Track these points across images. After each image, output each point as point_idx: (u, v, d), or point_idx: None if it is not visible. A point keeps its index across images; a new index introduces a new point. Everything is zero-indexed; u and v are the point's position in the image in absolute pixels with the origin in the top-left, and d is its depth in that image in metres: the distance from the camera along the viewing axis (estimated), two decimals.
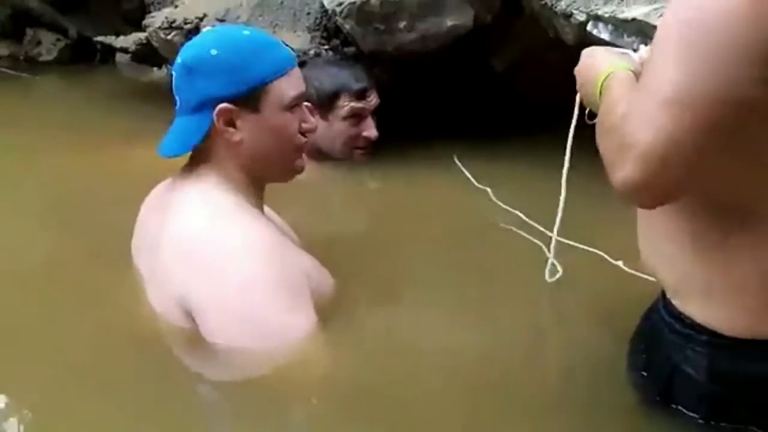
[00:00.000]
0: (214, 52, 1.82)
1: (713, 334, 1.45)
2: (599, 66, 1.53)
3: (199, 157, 1.91)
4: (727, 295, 1.43)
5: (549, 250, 2.18)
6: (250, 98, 1.84)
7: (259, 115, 1.86)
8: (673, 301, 1.52)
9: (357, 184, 3.12)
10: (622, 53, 1.61)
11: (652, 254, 1.56)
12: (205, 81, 1.82)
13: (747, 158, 1.32)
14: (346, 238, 2.59)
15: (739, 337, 1.43)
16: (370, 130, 3.18)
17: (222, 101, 1.81)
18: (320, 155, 3.12)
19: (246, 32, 1.91)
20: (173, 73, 1.89)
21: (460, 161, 3.13)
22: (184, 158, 1.95)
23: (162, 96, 4.15)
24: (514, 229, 2.53)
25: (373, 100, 3.18)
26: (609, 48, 1.69)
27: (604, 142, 1.36)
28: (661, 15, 2.69)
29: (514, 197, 2.77)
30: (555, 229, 2.11)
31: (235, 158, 1.87)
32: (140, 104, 4.27)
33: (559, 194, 2.05)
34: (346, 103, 3.13)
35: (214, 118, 1.82)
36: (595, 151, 1.39)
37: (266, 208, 2.01)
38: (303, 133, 1.97)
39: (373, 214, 2.95)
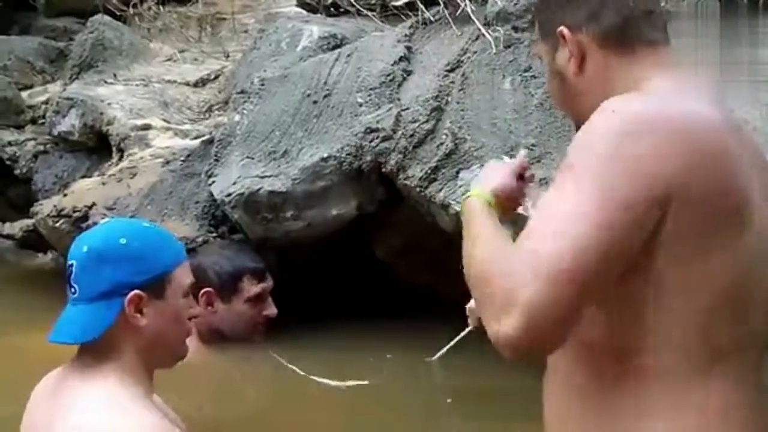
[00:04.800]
0: (123, 240, 1.88)
1: None
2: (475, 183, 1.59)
3: (95, 345, 1.92)
4: None
5: None
6: (155, 285, 1.90)
7: (164, 301, 1.92)
8: None
9: (254, 366, 3.16)
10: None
11: None
12: (114, 269, 1.86)
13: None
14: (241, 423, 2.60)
15: None
16: (271, 309, 3.26)
17: (132, 288, 1.87)
18: (220, 338, 3.18)
19: (146, 224, 2.02)
20: (73, 261, 1.91)
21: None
22: (65, 346, 1.95)
23: (46, 282, 4.14)
24: None
25: (269, 280, 3.27)
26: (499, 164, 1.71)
27: (473, 286, 1.38)
28: None
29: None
30: None
31: (134, 344, 1.90)
32: (22, 290, 4.22)
33: None
34: (250, 286, 3.22)
35: (125, 304, 1.86)
36: None
37: (154, 396, 2.03)
38: (190, 319, 2.03)
39: (269, 399, 2.97)
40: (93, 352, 1.90)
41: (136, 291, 1.86)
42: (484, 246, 1.39)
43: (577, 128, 1.48)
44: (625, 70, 1.47)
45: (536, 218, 1.33)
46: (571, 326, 1.28)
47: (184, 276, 1.96)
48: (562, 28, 1.50)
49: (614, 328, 1.36)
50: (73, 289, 1.87)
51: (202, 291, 3.11)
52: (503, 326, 1.26)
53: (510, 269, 1.28)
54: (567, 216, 1.27)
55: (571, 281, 1.24)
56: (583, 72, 1.49)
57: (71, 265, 1.87)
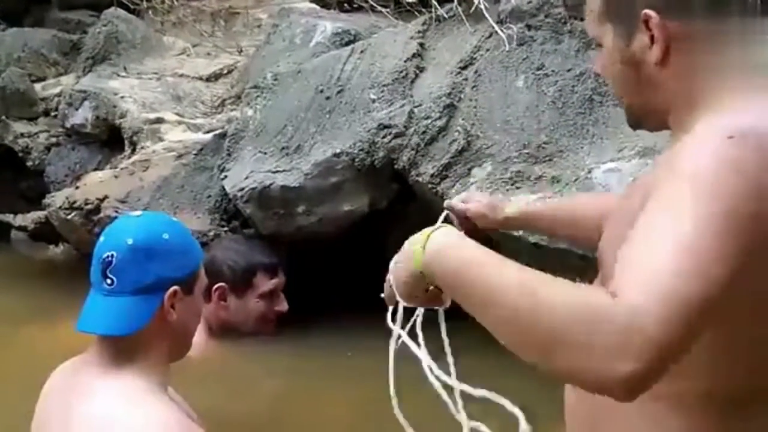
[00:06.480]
0: (166, 236, 1.92)
1: None
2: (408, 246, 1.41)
3: (119, 337, 1.92)
4: None
5: None
6: (189, 281, 1.94)
7: (192, 296, 1.96)
8: None
9: (264, 360, 3.17)
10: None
11: None
12: (159, 264, 1.89)
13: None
14: (254, 417, 2.60)
15: None
16: (283, 304, 3.30)
17: (173, 283, 1.89)
18: (231, 332, 3.20)
19: (174, 219, 2.06)
20: (113, 252, 1.89)
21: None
22: (76, 337, 1.95)
23: (57, 274, 4.16)
24: None
25: (282, 276, 3.29)
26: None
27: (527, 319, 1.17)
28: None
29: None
30: None
31: (160, 338, 1.92)
32: (34, 282, 4.23)
33: None
34: (263, 282, 3.25)
35: (165, 299, 1.88)
36: None
37: (169, 389, 2.04)
38: None
39: (281, 392, 2.98)
40: (116, 344, 1.90)
41: (176, 287, 1.90)
42: (527, 276, 1.20)
43: (630, 121, 1.44)
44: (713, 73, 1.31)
45: (645, 244, 1.15)
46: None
47: (203, 272, 2.01)
48: (648, 10, 1.32)
49: None
50: (109, 281, 1.87)
51: (215, 286, 3.14)
52: (622, 366, 1.07)
53: (615, 301, 1.10)
54: (692, 250, 1.11)
55: (698, 321, 1.10)
56: (666, 64, 1.34)
57: (110, 256, 1.88)
